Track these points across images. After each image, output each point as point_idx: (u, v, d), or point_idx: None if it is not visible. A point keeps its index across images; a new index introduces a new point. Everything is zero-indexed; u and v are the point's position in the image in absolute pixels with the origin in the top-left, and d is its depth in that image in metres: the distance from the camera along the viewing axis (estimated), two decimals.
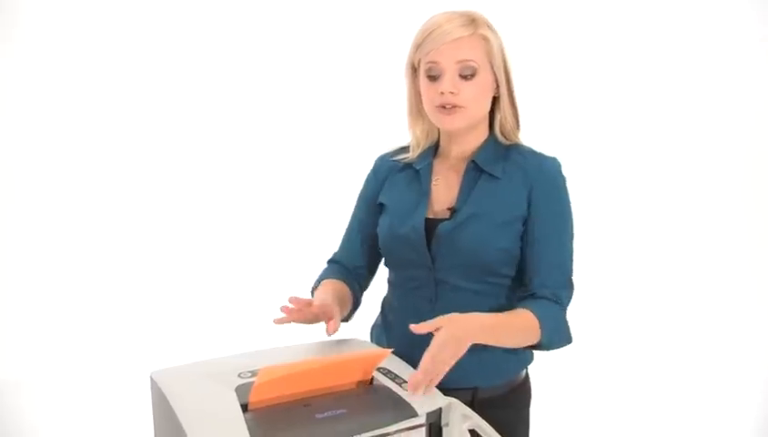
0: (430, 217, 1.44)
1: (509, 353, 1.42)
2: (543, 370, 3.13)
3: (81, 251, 3.17)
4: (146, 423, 1.47)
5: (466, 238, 1.39)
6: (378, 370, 1.35)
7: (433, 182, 1.48)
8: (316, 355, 1.39)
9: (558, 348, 1.41)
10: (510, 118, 1.46)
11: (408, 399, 1.26)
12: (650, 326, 3.33)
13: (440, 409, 1.26)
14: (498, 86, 1.44)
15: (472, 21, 1.39)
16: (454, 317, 1.28)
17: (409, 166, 1.52)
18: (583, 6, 3.34)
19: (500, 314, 1.36)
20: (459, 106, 1.38)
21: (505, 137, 1.47)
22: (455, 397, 1.26)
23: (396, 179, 1.52)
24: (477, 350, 1.31)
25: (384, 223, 1.49)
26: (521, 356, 1.48)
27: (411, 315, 1.41)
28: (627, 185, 3.42)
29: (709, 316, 3.33)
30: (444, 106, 1.39)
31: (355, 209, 1.60)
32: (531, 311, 1.35)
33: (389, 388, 1.30)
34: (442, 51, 1.37)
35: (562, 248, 1.41)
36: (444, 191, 1.46)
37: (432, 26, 1.39)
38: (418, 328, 1.24)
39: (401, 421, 1.22)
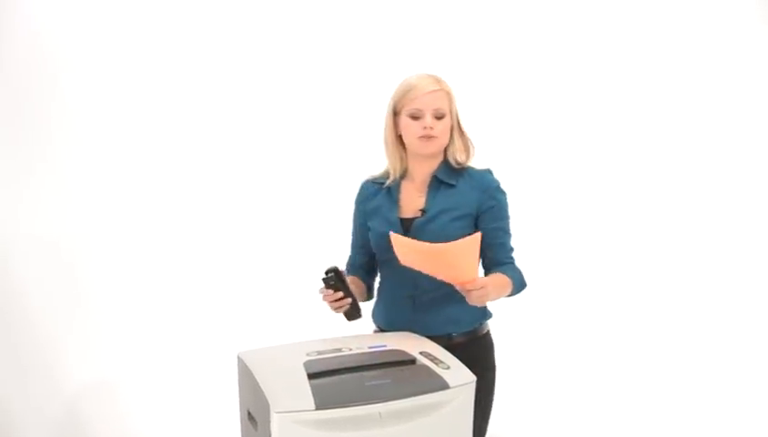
0: (405, 217, 2.01)
1: (470, 308, 1.91)
2: (549, 368, 3.26)
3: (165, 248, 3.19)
4: (231, 398, 1.83)
5: (433, 229, 1.96)
6: (421, 353, 1.67)
7: (402, 195, 2.05)
8: (371, 343, 1.75)
9: (520, 292, 2.00)
10: (460, 148, 2.04)
11: (442, 375, 1.57)
12: (652, 325, 3.37)
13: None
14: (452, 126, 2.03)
15: (439, 80, 2.00)
16: (488, 279, 1.93)
17: (383, 187, 2.10)
18: (584, 6, 3.41)
19: (494, 278, 1.94)
20: (435, 137, 1.98)
21: (455, 162, 2.03)
22: (435, 342, 1.81)
23: (374, 202, 2.10)
24: (448, 306, 1.93)
25: (372, 229, 2.07)
26: (480, 311, 2.02)
27: (399, 294, 2.00)
28: (627, 185, 3.47)
29: (709, 314, 3.36)
30: (425, 137, 1.97)
31: (353, 226, 2.19)
32: (505, 275, 1.96)
33: (428, 366, 1.61)
34: (423, 99, 1.97)
35: (505, 232, 2.03)
36: (413, 200, 2.04)
37: (413, 83, 1.99)
38: (469, 284, 1.79)
39: (434, 391, 1.53)
